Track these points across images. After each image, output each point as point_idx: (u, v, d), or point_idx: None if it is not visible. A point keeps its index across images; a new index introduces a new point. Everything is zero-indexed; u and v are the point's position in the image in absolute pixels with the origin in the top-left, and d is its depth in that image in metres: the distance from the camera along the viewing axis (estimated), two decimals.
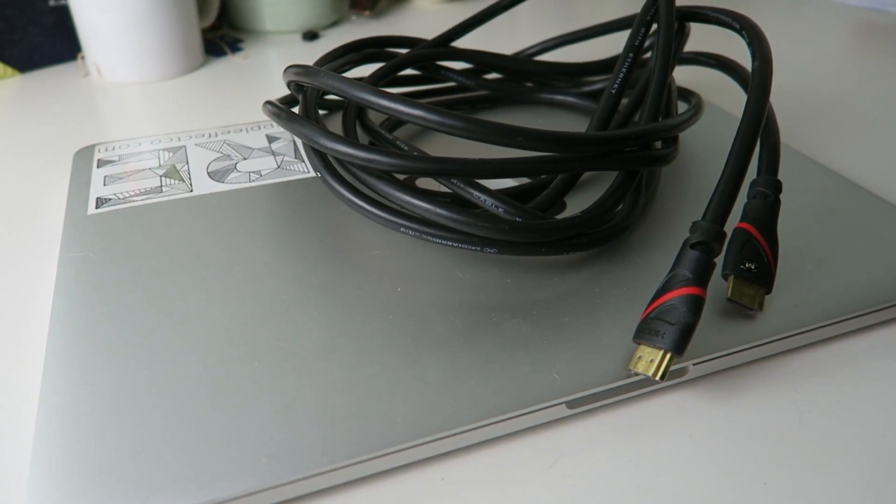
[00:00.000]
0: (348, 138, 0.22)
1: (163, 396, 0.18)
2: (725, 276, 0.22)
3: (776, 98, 0.43)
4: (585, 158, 0.22)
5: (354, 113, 0.29)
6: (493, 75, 0.40)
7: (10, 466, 0.18)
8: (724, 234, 0.20)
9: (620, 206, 0.25)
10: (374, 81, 0.33)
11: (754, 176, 0.24)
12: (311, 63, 0.32)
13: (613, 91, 0.25)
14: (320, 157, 0.24)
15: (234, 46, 0.52)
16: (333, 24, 0.58)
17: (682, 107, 0.36)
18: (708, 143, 0.32)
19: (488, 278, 0.23)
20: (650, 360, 0.19)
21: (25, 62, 0.46)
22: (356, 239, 0.25)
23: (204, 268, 0.23)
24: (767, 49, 0.23)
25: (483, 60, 0.37)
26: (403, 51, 0.37)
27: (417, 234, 0.22)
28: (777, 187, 0.23)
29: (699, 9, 0.28)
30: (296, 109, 0.35)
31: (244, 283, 0.22)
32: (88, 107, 0.42)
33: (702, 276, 0.19)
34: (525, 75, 0.38)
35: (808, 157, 0.31)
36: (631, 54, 0.26)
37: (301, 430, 0.17)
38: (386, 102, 0.21)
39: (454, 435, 0.18)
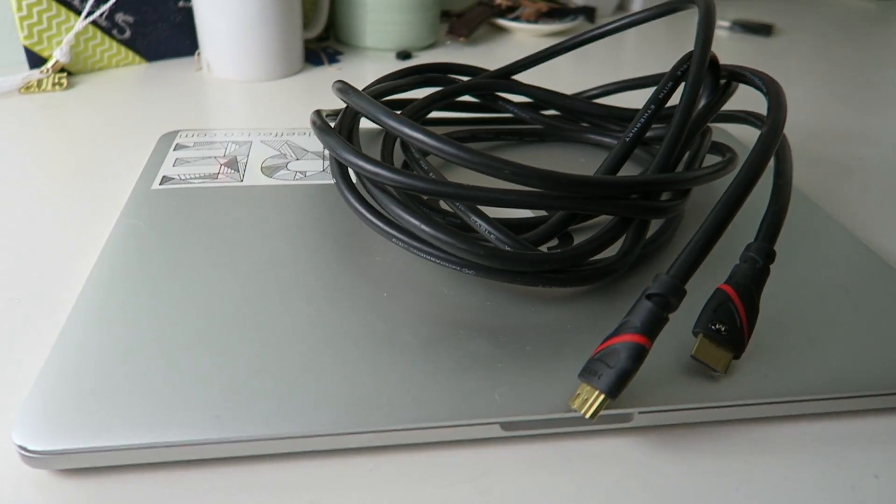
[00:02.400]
0: (360, 151, 0.24)
1: (157, 349, 0.21)
2: (695, 333, 0.22)
3: (837, 161, 0.41)
4: (574, 199, 0.23)
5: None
6: (551, 112, 0.41)
7: (16, 383, 0.22)
8: (684, 291, 0.20)
9: (622, 249, 0.25)
10: (428, 104, 0.35)
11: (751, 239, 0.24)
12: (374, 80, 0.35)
13: (627, 139, 0.26)
14: (339, 166, 0.27)
15: (333, 58, 0.56)
16: (429, 46, 0.61)
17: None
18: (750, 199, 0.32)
19: (471, 298, 0.24)
20: (585, 398, 0.19)
21: (152, 53, 0.53)
22: (364, 244, 0.27)
23: (226, 248, 0.26)
24: (780, 117, 0.23)
25: (541, 96, 0.38)
26: (465, 79, 0.39)
27: (405, 245, 0.24)
28: (769, 255, 0.23)
29: (737, 68, 0.28)
30: None
31: (255, 266, 0.25)
32: (194, 97, 0.47)
33: (650, 328, 0.20)
34: (581, 115, 0.39)
35: (841, 224, 0.30)
36: (652, 106, 0.27)
37: (254, 400, 0.20)
38: (391, 122, 0.23)
39: (388, 431, 0.19)
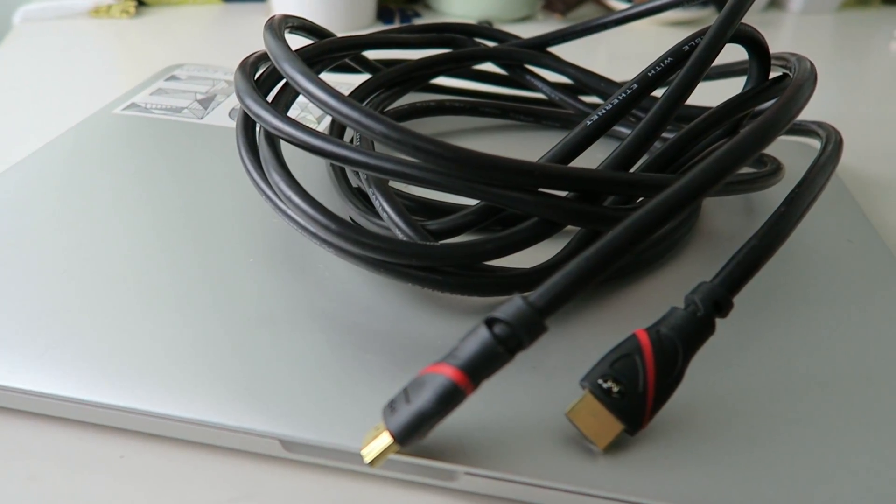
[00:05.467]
0: (251, 88, 0.20)
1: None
2: (582, 386, 0.16)
3: None
4: (463, 180, 0.17)
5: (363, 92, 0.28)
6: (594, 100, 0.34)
7: None
8: (542, 327, 0.14)
9: (547, 261, 0.19)
10: (430, 65, 0.31)
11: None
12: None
13: (589, 123, 0.20)
14: (244, 114, 0.23)
15: (406, 18, 0.53)
16: (521, 19, 0.56)
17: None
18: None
19: (347, 286, 0.20)
20: (375, 435, 0.15)
21: None
22: None
23: (131, 179, 0.24)
24: (787, 111, 0.16)
25: (581, 78, 0.32)
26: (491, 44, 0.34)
27: (270, 202, 0.20)
28: (719, 306, 0.16)
29: (788, 54, 0.21)
30: None
31: (144, 201, 0.23)
32: (250, 40, 0.46)
33: (475, 364, 0.14)
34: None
35: None
36: (635, 85, 0.20)
37: (22, 343, 0.17)
38: (283, 63, 0.19)
39: (139, 415, 0.16)
